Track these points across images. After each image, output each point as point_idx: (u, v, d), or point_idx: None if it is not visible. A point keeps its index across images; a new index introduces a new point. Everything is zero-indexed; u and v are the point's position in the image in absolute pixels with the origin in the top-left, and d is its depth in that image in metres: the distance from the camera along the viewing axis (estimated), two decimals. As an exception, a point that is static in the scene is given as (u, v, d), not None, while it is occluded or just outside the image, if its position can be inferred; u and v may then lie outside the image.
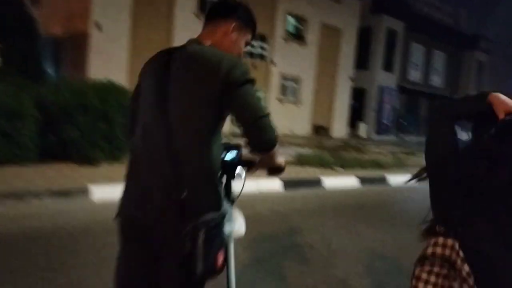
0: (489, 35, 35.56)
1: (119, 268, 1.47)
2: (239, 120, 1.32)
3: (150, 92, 1.40)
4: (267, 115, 1.31)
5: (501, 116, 1.26)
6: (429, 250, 1.34)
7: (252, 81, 1.35)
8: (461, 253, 1.26)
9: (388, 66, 26.80)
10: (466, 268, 1.24)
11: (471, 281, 1.23)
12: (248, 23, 1.57)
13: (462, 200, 1.30)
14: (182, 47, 1.41)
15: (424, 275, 1.31)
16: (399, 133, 27.63)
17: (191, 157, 1.32)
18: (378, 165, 10.54)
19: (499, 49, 36.39)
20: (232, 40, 1.51)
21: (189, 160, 1.32)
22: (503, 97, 1.29)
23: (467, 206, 1.30)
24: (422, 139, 1.65)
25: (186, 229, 1.25)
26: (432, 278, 1.29)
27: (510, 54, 38.17)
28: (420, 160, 1.52)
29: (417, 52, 30.24)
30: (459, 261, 1.26)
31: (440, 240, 1.32)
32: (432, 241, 1.35)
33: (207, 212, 1.30)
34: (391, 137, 26.25)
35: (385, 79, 26.64)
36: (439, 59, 32.33)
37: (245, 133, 1.31)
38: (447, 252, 1.30)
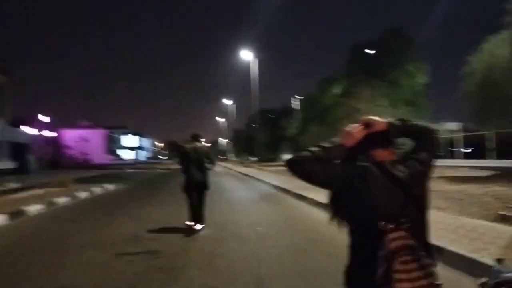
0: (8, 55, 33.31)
1: (191, 198, 7.32)
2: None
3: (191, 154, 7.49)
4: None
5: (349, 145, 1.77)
6: (392, 246, 1.51)
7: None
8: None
9: None
10: (417, 246, 1.53)
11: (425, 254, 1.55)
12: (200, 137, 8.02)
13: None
14: (195, 143, 7.63)
15: (401, 266, 1.48)
16: None
17: (204, 168, 7.52)
18: None
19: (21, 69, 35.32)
20: None
21: (204, 168, 7.51)
22: (341, 138, 1.78)
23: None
24: None
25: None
26: (404, 266, 1.48)
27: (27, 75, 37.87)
28: None
29: None
30: (416, 244, 1.53)
31: (394, 235, 1.54)
32: (388, 238, 1.53)
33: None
34: None
35: None
36: None
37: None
38: (404, 242, 1.52)
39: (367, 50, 25.92)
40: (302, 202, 11.33)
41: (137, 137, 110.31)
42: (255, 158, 47.04)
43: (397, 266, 1.48)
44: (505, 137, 25.91)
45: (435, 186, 12.04)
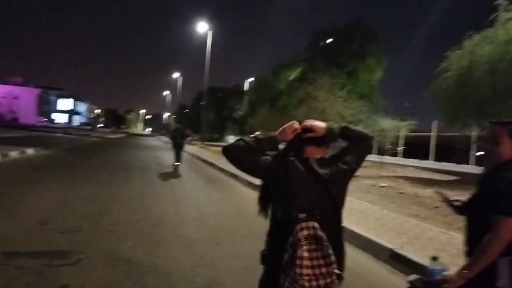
0: None
1: (176, 151, 13.54)
2: None
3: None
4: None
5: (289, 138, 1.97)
6: (300, 235, 1.65)
7: None
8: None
9: None
10: (325, 237, 1.67)
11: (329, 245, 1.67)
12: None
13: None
14: (178, 125, 18.03)
15: (305, 254, 1.62)
16: None
17: (183, 138, 14.17)
18: None
19: None
20: None
21: (183, 137, 14.14)
22: (284, 131, 1.94)
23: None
24: None
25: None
26: (308, 254, 1.62)
27: None
28: None
29: None
30: (324, 235, 1.67)
31: (304, 224, 1.68)
32: (298, 227, 1.67)
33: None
34: None
35: None
36: None
37: None
38: (312, 231, 1.66)
39: (329, 40, 24.89)
40: (253, 191, 9.88)
41: (72, 100, 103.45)
42: (197, 136, 45.00)
43: (302, 253, 1.62)
44: (444, 140, 26.27)
45: (401, 188, 11.10)
